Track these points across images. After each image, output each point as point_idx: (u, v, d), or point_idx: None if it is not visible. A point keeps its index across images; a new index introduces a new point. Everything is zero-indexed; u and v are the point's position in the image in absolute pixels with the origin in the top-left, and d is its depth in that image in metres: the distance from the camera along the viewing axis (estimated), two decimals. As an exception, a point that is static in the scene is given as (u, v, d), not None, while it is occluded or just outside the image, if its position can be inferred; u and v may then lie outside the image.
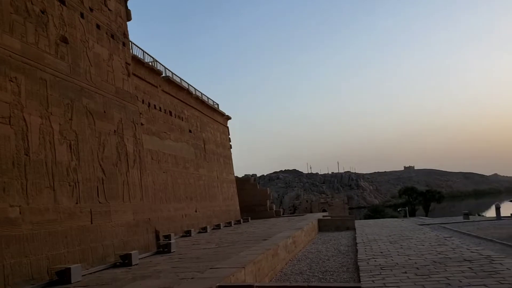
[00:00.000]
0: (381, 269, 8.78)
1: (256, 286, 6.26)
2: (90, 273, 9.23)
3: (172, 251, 12.69)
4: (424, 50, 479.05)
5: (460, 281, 7.18)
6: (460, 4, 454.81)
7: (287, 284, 7.45)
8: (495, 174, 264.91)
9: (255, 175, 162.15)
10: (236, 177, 35.76)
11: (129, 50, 14.21)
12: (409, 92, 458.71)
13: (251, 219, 29.49)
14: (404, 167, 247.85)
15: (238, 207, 32.31)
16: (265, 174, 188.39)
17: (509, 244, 11.76)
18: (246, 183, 36.90)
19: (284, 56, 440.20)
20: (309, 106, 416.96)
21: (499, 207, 24.57)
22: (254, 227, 22.11)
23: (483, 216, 36.32)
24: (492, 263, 8.63)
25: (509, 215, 27.42)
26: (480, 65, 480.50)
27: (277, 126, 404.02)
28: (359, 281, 7.86)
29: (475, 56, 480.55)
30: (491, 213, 37.37)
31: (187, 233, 19.24)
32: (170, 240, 14.05)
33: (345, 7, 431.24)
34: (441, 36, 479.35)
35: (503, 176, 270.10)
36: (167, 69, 22.39)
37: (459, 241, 12.46)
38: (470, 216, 25.90)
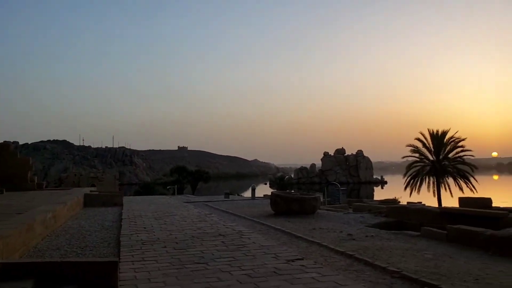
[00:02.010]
0: (142, 244, 8.98)
1: (2, 263, 5.67)
2: None
3: None
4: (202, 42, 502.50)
5: (213, 254, 7.88)
6: None
7: (39, 260, 6.95)
8: (255, 160, 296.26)
9: (17, 142, 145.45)
10: (-8, 143, 31.37)
11: None
12: (187, 78, 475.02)
13: (6, 191, 26.29)
14: (178, 147, 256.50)
15: (-9, 177, 28.44)
16: (29, 143, 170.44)
17: (258, 221, 13.37)
18: (4, 151, 32.72)
19: (71, 16, 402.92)
20: (87, 76, 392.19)
21: (255, 189, 27.68)
22: (9, 199, 19.82)
23: (241, 196, 40.29)
24: (242, 237, 9.71)
25: (262, 196, 31.20)
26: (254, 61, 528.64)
27: (49, 91, 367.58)
28: (119, 255, 7.88)
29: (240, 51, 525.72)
30: (248, 193, 41.76)
31: None
32: None
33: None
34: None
35: (262, 161, 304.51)
36: None
37: (218, 218, 13.61)
38: (230, 196, 28.46)
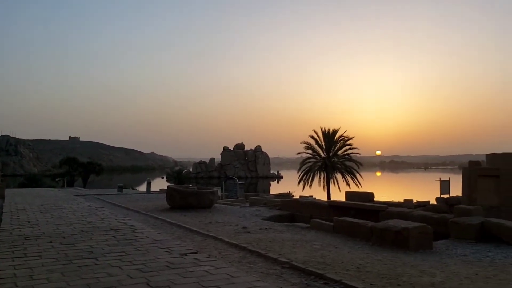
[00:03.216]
0: (25, 239, 8.40)
1: None
2: None
3: None
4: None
5: (103, 249, 7.58)
6: None
7: None
8: (152, 153, 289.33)
9: None
10: None
11: None
12: (81, 64, 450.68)
13: None
14: (70, 137, 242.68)
15: None
16: None
17: (152, 215, 13.10)
18: None
19: None
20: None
21: (150, 182, 27.09)
22: None
23: (136, 189, 39.21)
24: (135, 232, 9.47)
25: (158, 190, 30.63)
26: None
27: None
28: (-3, 252, 7.26)
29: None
30: (143, 187, 40.74)
31: None
32: None
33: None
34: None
35: (159, 155, 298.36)
36: None
37: (109, 212, 13.13)
38: (124, 189, 27.55)
